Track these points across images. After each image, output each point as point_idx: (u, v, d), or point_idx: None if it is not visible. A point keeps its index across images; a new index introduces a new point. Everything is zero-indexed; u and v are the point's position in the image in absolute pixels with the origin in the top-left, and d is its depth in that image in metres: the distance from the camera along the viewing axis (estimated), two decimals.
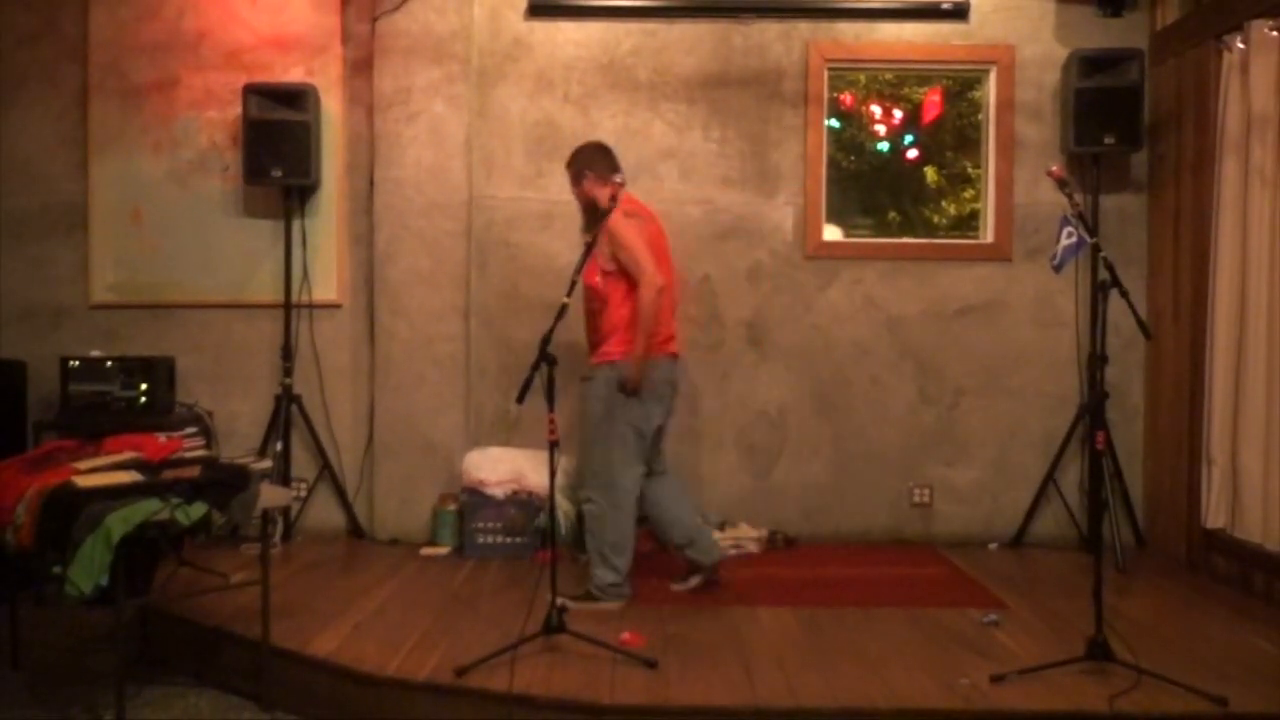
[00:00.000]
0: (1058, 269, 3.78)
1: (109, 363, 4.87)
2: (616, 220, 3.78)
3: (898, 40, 5.18)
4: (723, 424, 5.21)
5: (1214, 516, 4.43)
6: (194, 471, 3.38)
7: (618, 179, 3.80)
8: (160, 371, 4.94)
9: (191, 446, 3.73)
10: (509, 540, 4.74)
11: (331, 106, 5.16)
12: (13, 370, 4.97)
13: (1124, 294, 3.23)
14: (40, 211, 5.21)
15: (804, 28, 5.17)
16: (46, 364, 4.96)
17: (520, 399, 3.45)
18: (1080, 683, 3.09)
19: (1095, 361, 3.47)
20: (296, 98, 4.96)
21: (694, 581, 4.16)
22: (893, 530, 5.18)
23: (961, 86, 5.41)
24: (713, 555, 4.22)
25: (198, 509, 3.21)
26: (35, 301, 5.20)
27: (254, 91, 4.95)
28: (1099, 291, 3.30)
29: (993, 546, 5.06)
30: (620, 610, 3.88)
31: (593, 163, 4.03)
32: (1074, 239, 3.61)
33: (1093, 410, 4.73)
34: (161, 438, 3.64)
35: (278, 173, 4.94)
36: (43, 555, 3.09)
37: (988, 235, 5.23)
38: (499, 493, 4.76)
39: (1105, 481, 4.71)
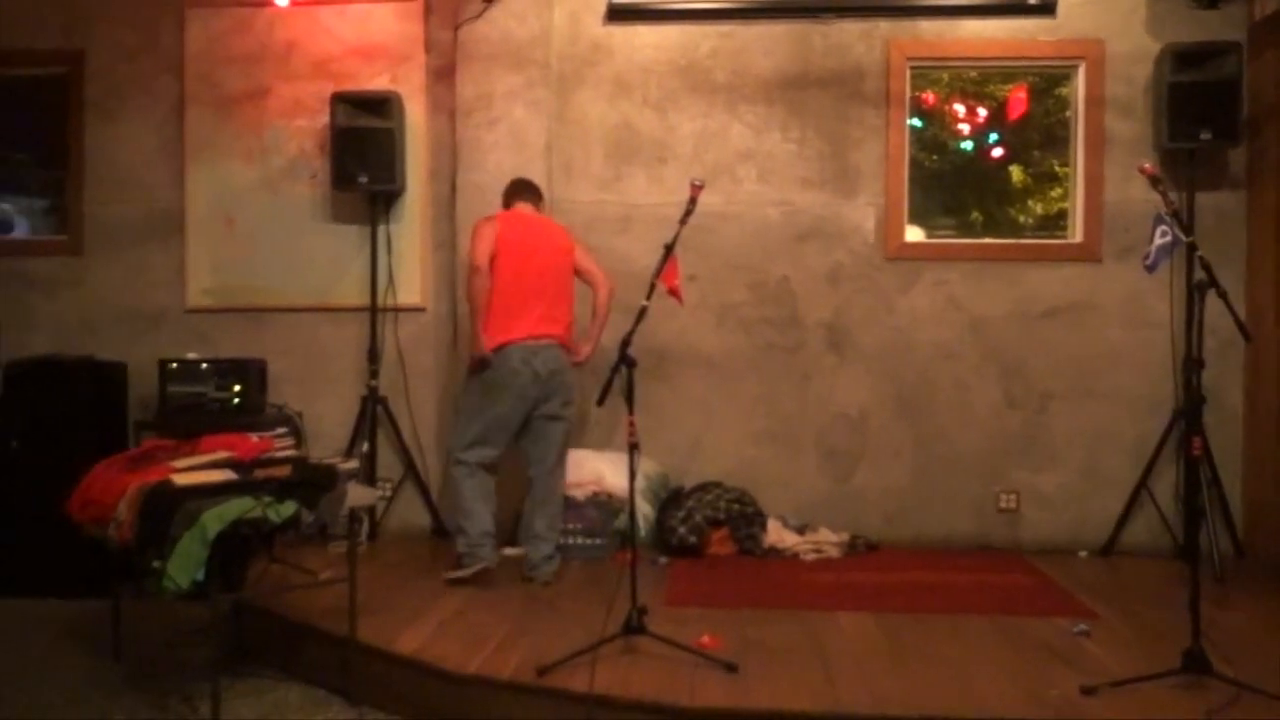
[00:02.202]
0: (1151, 269, 3.65)
1: (204, 365, 5.01)
2: (475, 224, 4.41)
3: (981, 37, 5.09)
4: (802, 426, 5.18)
5: None
6: (285, 471, 3.45)
7: (520, 204, 4.50)
8: (253, 373, 5.07)
9: (282, 446, 3.77)
10: (589, 541, 4.75)
11: (415, 113, 5.25)
12: (114, 371, 5.15)
13: (1222, 294, 3.13)
14: (141, 218, 5.40)
15: (885, 26, 5.12)
16: (146, 366, 5.12)
17: (600, 401, 3.48)
18: (1175, 697, 2.98)
19: (1191, 364, 3.36)
20: (382, 105, 5.06)
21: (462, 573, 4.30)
22: (977, 536, 5.09)
23: (1048, 83, 5.29)
24: (533, 573, 4.36)
25: (288, 507, 3.27)
26: (135, 305, 5.39)
27: (341, 100, 5.05)
28: (1195, 292, 3.21)
29: (1082, 554, 4.94)
30: (478, 573, 4.23)
31: (505, 198, 4.59)
32: (1168, 238, 3.48)
33: (1188, 415, 4.59)
34: (254, 438, 3.72)
35: (364, 179, 5.03)
36: (143, 550, 3.18)
37: (1076, 235, 5.11)
38: (579, 494, 4.79)
39: (1202, 489, 4.55)
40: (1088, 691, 3.02)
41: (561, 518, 4.53)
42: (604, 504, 4.79)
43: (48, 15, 5.40)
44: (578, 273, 4.52)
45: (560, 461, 4.48)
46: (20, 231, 5.69)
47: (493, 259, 4.26)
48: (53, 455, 4.65)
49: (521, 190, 4.57)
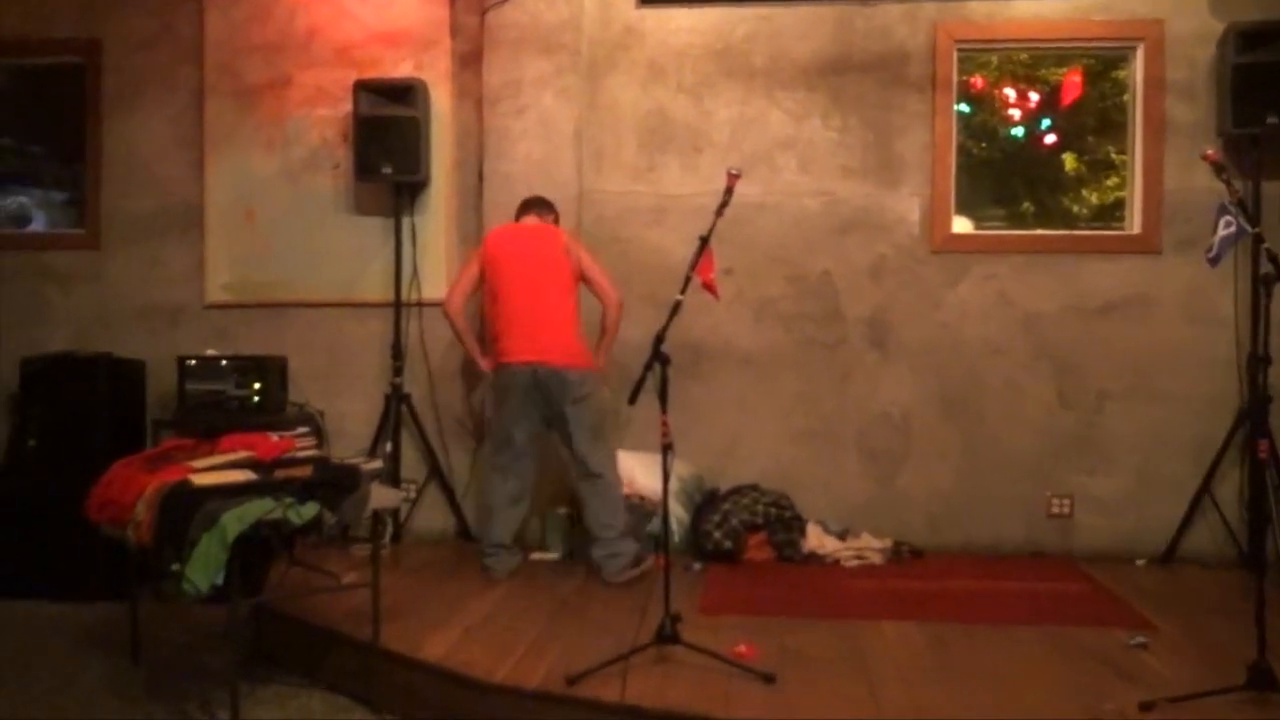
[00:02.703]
0: (1214, 262, 3.53)
1: (224, 362, 4.96)
2: None
3: (1034, 18, 4.96)
4: (843, 426, 5.06)
5: None
6: (306, 471, 3.39)
7: (527, 218, 4.57)
8: (273, 371, 5.01)
9: (303, 446, 3.73)
10: None
11: (441, 101, 5.16)
12: (132, 369, 5.11)
13: None
14: (158, 212, 5.35)
15: (930, 7, 4.99)
16: (164, 363, 5.07)
17: (632, 399, 3.38)
18: (1240, 713, 2.85)
19: (1256, 362, 3.22)
20: (406, 93, 4.98)
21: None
22: (1027, 542, 4.95)
23: (1104, 66, 5.17)
24: (603, 575, 4.32)
25: (310, 509, 3.22)
26: (153, 301, 5.35)
27: (364, 88, 4.98)
28: (1261, 285, 3.14)
29: (1140, 562, 4.78)
30: (493, 574, 4.36)
31: (516, 214, 4.64)
32: (1232, 229, 3.36)
33: (1253, 415, 4.49)
34: (274, 437, 3.66)
35: (387, 169, 4.95)
36: (161, 552, 3.13)
37: (1134, 226, 4.98)
38: None
39: (1268, 493, 4.43)
40: (1145, 707, 2.87)
41: (615, 514, 4.39)
42: (636, 507, 4.68)
43: (62, 3, 5.35)
44: (585, 283, 4.47)
45: (594, 460, 4.38)
46: (37, 225, 5.68)
47: (482, 281, 4.46)
48: (70, 454, 4.66)
49: (530, 206, 4.59)
